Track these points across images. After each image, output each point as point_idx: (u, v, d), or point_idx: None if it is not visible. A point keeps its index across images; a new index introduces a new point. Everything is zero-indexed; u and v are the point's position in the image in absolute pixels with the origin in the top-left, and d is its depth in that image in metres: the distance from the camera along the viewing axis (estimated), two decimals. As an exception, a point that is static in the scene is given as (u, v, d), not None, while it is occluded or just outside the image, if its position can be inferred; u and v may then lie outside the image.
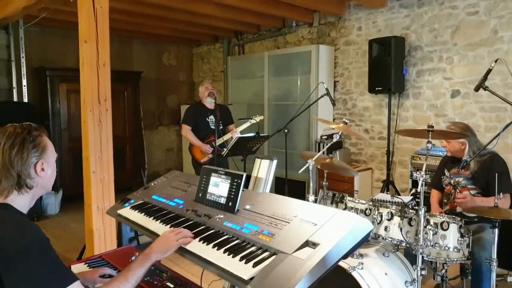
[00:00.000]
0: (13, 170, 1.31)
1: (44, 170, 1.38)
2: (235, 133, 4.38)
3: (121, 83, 6.26)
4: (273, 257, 1.26)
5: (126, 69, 6.79)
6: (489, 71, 2.37)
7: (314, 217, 1.36)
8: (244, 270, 1.24)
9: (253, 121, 4.41)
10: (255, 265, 1.25)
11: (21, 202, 1.36)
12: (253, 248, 1.36)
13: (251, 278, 1.20)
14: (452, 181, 2.80)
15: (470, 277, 2.73)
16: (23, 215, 1.36)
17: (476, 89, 2.38)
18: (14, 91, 5.72)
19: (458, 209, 2.87)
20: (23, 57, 5.68)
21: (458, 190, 2.79)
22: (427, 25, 4.56)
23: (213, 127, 4.40)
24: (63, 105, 5.91)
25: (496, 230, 2.32)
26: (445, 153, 3.75)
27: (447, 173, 2.71)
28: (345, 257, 1.26)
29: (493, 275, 2.39)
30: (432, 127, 2.41)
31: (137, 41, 7.28)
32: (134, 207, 1.93)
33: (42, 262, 1.20)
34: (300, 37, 6.04)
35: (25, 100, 5.77)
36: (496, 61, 2.36)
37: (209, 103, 4.47)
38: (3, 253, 1.18)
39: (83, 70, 3.05)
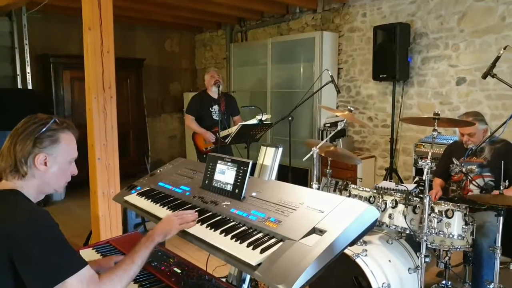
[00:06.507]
0: (13, 153, 1.33)
1: (47, 165, 1.36)
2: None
3: (124, 70, 6.25)
4: (280, 243, 1.27)
5: (128, 56, 6.75)
6: (497, 58, 2.33)
7: (321, 205, 1.37)
8: (251, 256, 1.25)
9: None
10: (262, 251, 1.26)
11: (28, 190, 1.36)
12: (260, 235, 1.36)
13: (259, 264, 1.22)
14: (463, 169, 2.79)
15: (472, 265, 2.76)
16: (32, 202, 1.36)
17: (484, 77, 2.35)
18: (18, 78, 5.69)
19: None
20: (26, 44, 5.64)
21: (470, 178, 2.79)
22: (433, 11, 4.50)
23: (215, 117, 4.29)
24: (67, 92, 5.92)
25: (501, 218, 2.32)
26: (450, 141, 3.75)
27: (456, 162, 2.70)
28: (352, 244, 1.27)
29: (497, 263, 2.40)
30: (438, 115, 2.40)
31: (140, 28, 7.22)
32: (140, 194, 1.94)
33: (53, 247, 1.21)
34: (304, 24, 5.98)
35: (29, 87, 5.74)
36: (505, 48, 2.33)
37: (214, 92, 4.36)
38: (14, 239, 1.19)
39: (87, 57, 3.04)
